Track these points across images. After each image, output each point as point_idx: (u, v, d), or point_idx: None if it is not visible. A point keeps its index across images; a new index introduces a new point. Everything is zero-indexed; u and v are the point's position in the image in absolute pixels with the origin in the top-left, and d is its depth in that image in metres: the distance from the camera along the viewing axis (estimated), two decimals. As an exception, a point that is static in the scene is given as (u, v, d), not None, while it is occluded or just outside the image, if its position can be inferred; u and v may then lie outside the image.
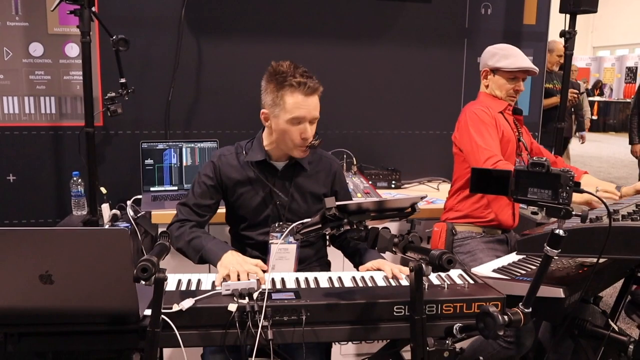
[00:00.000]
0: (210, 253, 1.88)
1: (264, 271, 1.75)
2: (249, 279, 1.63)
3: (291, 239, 1.97)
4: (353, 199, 2.42)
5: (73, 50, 2.94)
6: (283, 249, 1.96)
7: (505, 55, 2.49)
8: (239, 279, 1.65)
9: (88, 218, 2.68)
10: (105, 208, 2.72)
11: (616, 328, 1.86)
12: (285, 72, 1.91)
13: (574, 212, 1.27)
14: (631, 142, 5.36)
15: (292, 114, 1.91)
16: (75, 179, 2.80)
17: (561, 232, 1.26)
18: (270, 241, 1.99)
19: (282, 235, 1.96)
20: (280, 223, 2.02)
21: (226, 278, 1.67)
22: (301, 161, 2.06)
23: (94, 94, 2.69)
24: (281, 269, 1.95)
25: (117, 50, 2.60)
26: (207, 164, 2.11)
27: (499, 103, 2.55)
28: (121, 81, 2.69)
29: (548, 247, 1.29)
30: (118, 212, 2.74)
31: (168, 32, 3.02)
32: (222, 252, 1.83)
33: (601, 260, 1.85)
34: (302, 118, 1.92)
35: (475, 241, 2.46)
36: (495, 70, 2.53)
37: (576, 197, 1.90)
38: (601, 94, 16.58)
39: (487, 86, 2.58)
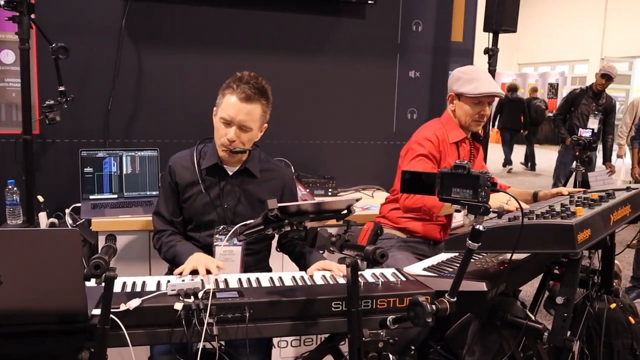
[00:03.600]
0: (182, 257, 1.98)
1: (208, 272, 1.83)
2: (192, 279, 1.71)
3: (236, 241, 2.05)
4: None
5: (8, 57, 2.90)
6: (228, 251, 2.04)
7: (469, 80, 2.45)
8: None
9: (25, 227, 2.65)
10: (42, 217, 2.70)
11: (533, 317, 2.04)
12: (238, 79, 2.03)
13: (491, 209, 1.42)
14: (563, 140, 5.80)
15: (222, 112, 2.04)
16: (10, 187, 2.75)
17: (481, 227, 1.41)
18: (214, 243, 2.06)
19: (226, 237, 2.03)
20: (225, 226, 2.09)
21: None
22: (252, 168, 2.16)
23: (31, 102, 2.67)
24: (227, 270, 2.02)
25: (56, 58, 2.60)
26: (166, 167, 2.21)
27: (457, 133, 2.52)
28: (60, 89, 2.69)
29: (470, 241, 1.43)
30: (56, 220, 2.72)
31: (108, 41, 3.03)
32: (190, 254, 1.94)
33: (521, 257, 2.04)
34: (230, 119, 2.02)
35: (394, 240, 2.59)
36: (459, 95, 2.49)
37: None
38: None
39: (453, 111, 2.54)
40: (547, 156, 11.64)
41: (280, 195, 2.22)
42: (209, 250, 2.10)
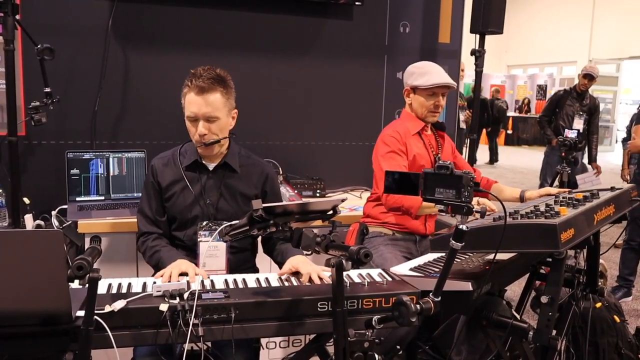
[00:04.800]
0: (166, 263, 1.97)
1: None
2: (178, 280, 1.71)
3: None
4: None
5: (-6, 58, 2.88)
6: (213, 247, 2.04)
7: (422, 73, 2.56)
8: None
9: (11, 229, 2.63)
10: (28, 219, 2.68)
11: (518, 317, 2.05)
12: (193, 74, 2.07)
13: (474, 209, 1.43)
14: (549, 141, 5.81)
15: (187, 111, 2.08)
16: (-5, 189, 2.74)
17: (464, 227, 1.42)
18: (199, 240, 2.07)
19: (210, 233, 2.05)
20: (208, 222, 2.11)
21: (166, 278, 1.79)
22: (231, 163, 2.17)
23: (17, 103, 2.65)
24: (212, 266, 2.03)
25: (42, 60, 2.59)
26: (148, 167, 2.23)
27: (416, 124, 2.63)
28: (46, 90, 2.67)
29: (453, 241, 1.44)
30: (42, 222, 2.70)
31: (94, 42, 3.02)
32: (173, 260, 1.93)
33: (507, 257, 2.05)
34: (194, 115, 2.06)
35: (381, 239, 2.61)
36: (414, 89, 2.60)
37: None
38: (529, 110, 17.61)
39: (410, 105, 2.65)
40: (534, 157, 11.76)
41: (262, 188, 2.24)
42: (191, 249, 2.11)
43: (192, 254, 2.11)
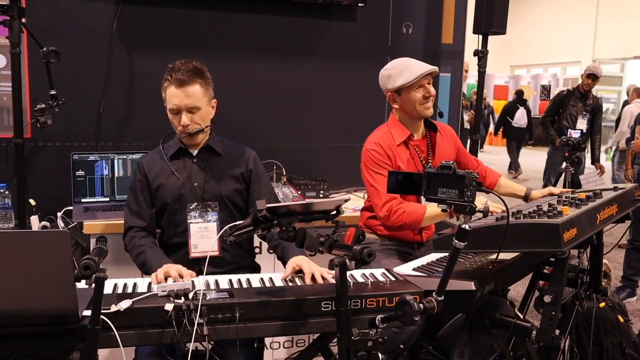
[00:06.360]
0: (152, 266, 1.99)
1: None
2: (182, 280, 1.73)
3: (210, 216, 2.12)
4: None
5: (0, 61, 2.90)
6: (203, 228, 2.07)
7: (399, 72, 2.42)
8: (166, 280, 1.78)
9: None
10: (34, 220, 2.70)
11: (521, 316, 2.06)
12: (170, 69, 2.13)
13: (476, 209, 1.44)
14: (552, 142, 5.79)
15: (169, 104, 2.14)
16: (2, 191, 2.75)
17: (467, 226, 1.43)
18: (189, 221, 2.12)
19: (199, 214, 2.12)
20: (197, 203, 2.15)
21: (160, 280, 1.80)
22: (214, 146, 2.24)
23: (23, 106, 2.67)
24: (204, 247, 2.05)
25: (47, 62, 2.61)
26: (135, 165, 2.28)
27: (401, 133, 2.49)
28: (51, 93, 2.69)
29: (456, 241, 1.45)
30: (48, 223, 2.73)
31: (100, 44, 3.04)
32: (159, 265, 1.93)
33: (510, 256, 2.05)
34: (177, 107, 2.12)
35: (377, 244, 2.58)
36: (399, 91, 2.45)
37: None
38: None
39: (398, 109, 2.51)
40: (540, 157, 11.74)
41: (246, 167, 2.27)
42: (185, 235, 2.15)
43: (182, 236, 2.17)
